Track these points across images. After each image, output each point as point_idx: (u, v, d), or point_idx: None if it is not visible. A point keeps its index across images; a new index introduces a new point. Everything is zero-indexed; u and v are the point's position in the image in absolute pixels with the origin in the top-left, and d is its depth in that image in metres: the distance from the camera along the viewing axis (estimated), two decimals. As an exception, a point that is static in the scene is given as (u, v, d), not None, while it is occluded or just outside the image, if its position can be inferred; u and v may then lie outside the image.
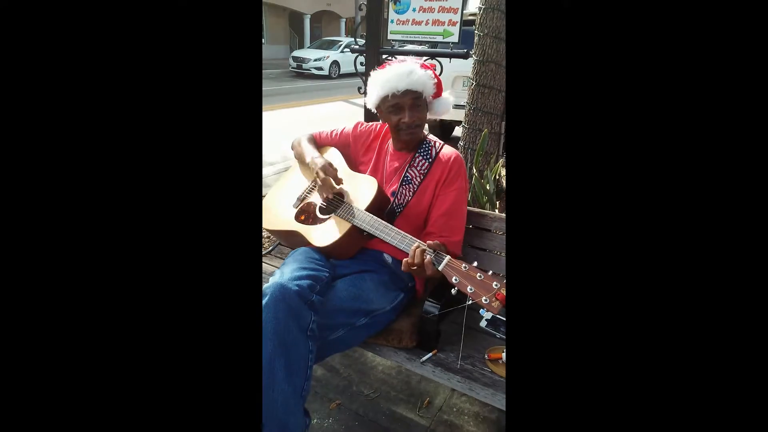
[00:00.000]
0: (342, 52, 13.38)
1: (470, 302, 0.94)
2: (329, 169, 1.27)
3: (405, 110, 1.25)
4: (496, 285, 0.92)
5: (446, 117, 1.38)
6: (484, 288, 0.93)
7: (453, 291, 0.97)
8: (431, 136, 1.38)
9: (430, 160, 1.31)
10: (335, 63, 13.31)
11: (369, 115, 2.11)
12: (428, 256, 1.01)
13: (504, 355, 1.15)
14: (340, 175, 1.35)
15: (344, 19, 21.64)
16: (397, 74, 1.24)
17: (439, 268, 0.99)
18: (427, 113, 1.32)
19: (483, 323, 1.32)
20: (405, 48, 2.34)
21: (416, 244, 1.05)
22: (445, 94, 1.34)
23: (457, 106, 3.13)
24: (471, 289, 0.93)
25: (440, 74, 1.41)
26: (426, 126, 1.36)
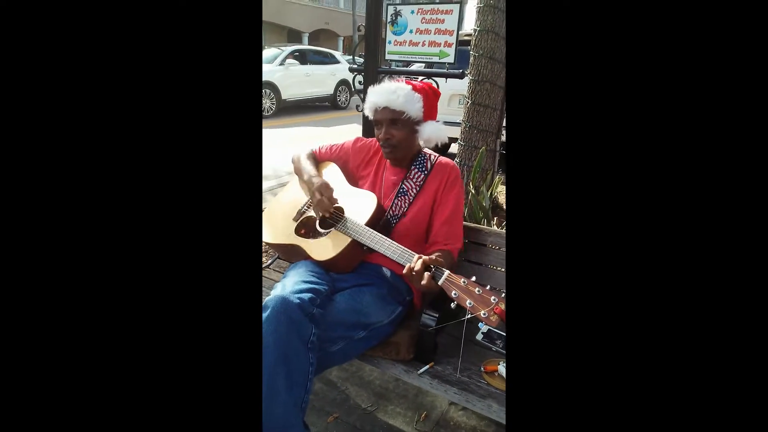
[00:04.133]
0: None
1: (469, 316, 0.97)
2: (326, 190, 1.29)
3: (383, 126, 1.29)
4: (494, 299, 0.95)
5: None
6: (482, 302, 0.95)
7: (452, 305, 1.00)
8: (426, 150, 1.41)
9: (426, 171, 1.34)
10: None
11: (367, 132, 2.16)
12: (430, 271, 1.04)
13: (499, 367, 1.18)
14: (339, 190, 1.38)
15: (342, 38, 22.00)
16: (380, 90, 1.29)
17: (439, 283, 1.02)
18: (417, 136, 1.32)
19: (479, 336, 1.35)
20: (402, 68, 2.41)
21: (418, 255, 1.08)
22: (437, 121, 1.34)
23: (453, 124, 3.20)
24: (470, 303, 0.96)
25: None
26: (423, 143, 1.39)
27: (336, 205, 1.33)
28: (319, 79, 9.04)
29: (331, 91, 9.46)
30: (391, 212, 1.31)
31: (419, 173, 1.34)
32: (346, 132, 6.90)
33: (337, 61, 9.62)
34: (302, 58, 8.84)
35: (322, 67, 9.18)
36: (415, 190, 1.32)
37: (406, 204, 1.31)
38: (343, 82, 9.61)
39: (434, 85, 1.55)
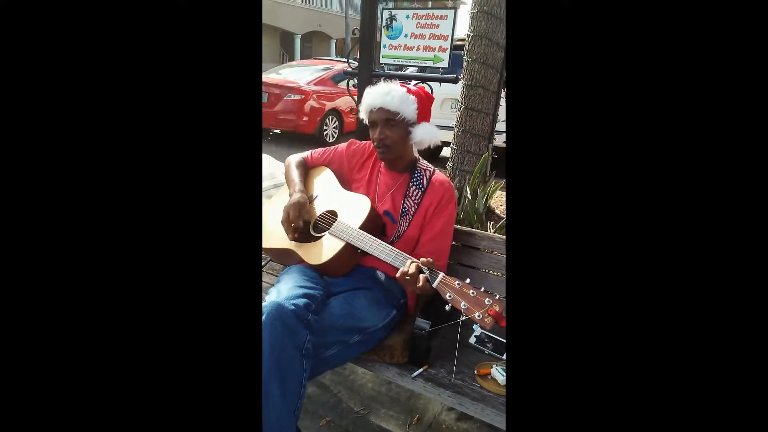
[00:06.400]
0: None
1: (464, 318, 0.98)
2: (293, 210, 1.28)
3: (378, 127, 1.30)
4: (488, 301, 0.95)
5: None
6: (477, 304, 0.96)
7: (447, 307, 1.00)
8: (422, 162, 1.41)
9: (423, 189, 1.34)
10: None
11: (362, 135, 2.17)
12: (424, 273, 1.04)
13: (492, 370, 1.18)
14: (333, 194, 1.39)
15: (334, 40, 22.02)
16: (375, 92, 1.30)
17: (434, 285, 1.03)
18: (410, 137, 1.32)
19: (472, 339, 1.35)
20: (396, 72, 2.42)
21: (411, 259, 1.09)
22: (430, 124, 1.34)
23: (445, 128, 3.21)
24: (464, 305, 0.97)
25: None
26: (415, 149, 1.40)
27: (329, 208, 1.33)
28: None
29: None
30: (396, 233, 1.32)
31: (417, 191, 1.34)
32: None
33: None
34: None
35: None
36: (414, 209, 1.33)
37: (407, 223, 1.32)
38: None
39: (428, 89, 1.56)
